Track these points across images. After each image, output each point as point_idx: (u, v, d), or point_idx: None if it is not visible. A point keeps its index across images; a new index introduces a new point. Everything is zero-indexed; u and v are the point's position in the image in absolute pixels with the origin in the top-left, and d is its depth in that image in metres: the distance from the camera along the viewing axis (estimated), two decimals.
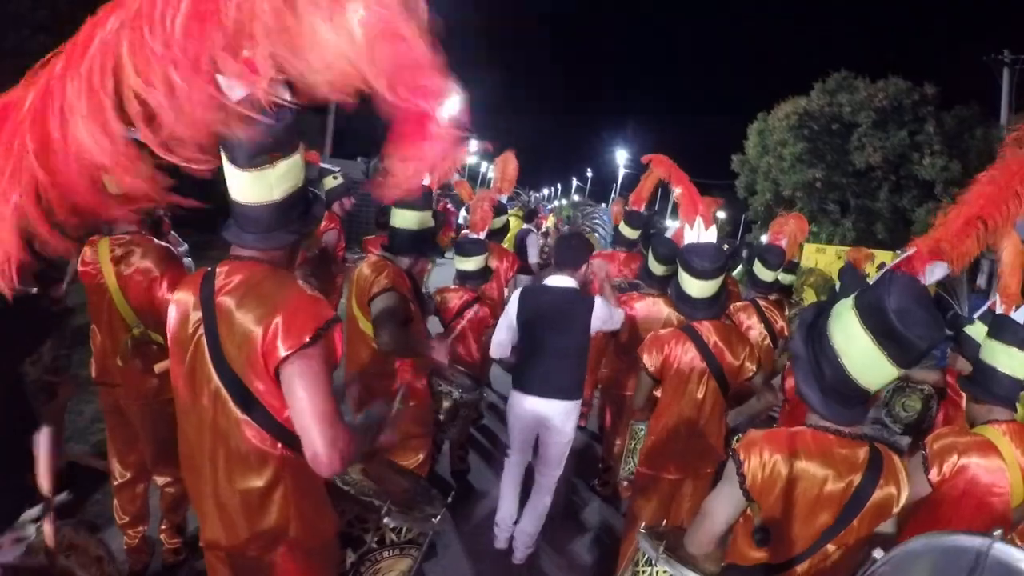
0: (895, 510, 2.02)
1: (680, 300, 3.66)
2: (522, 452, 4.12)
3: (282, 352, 1.75)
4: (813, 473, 1.95)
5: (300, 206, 1.93)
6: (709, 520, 2.10)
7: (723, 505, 2.07)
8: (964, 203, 1.98)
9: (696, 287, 3.56)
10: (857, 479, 1.96)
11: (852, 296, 1.95)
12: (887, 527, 2.08)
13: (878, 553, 1.65)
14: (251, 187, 1.82)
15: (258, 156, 1.77)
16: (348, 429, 1.83)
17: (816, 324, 2.04)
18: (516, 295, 3.97)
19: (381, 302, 3.31)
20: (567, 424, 3.92)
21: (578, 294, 3.91)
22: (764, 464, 1.97)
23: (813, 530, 1.99)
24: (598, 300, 3.88)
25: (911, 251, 2.00)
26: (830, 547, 2.00)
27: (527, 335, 3.89)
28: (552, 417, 3.88)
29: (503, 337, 3.94)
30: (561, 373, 3.86)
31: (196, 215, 1.86)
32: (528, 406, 3.90)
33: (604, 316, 3.87)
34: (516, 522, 4.18)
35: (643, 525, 2.77)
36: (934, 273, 1.95)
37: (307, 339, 1.75)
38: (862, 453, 1.99)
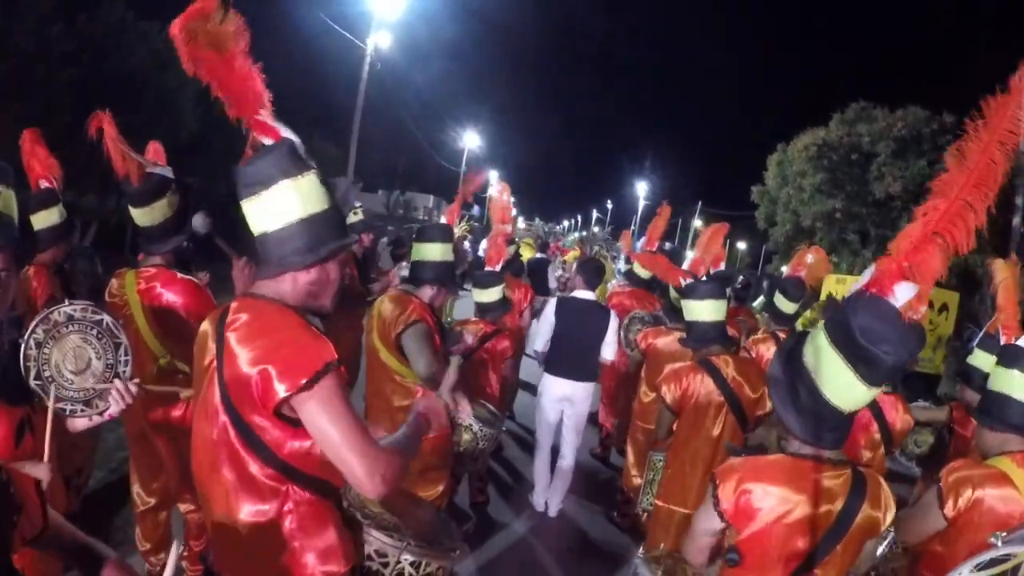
0: (882, 530, 2.06)
1: (691, 338, 3.71)
2: (550, 430, 5.24)
3: (281, 393, 1.72)
4: (787, 499, 1.98)
5: (295, 241, 1.85)
6: (694, 533, 2.23)
7: (703, 521, 2.17)
8: (919, 218, 1.90)
9: (697, 310, 3.63)
10: (839, 504, 1.98)
11: (823, 319, 1.99)
12: (871, 544, 2.12)
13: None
14: (249, 219, 1.87)
15: (244, 188, 1.84)
16: (387, 450, 1.81)
17: (795, 350, 2.07)
18: (552, 303, 5.29)
19: (414, 334, 3.39)
20: (585, 401, 5.16)
21: (597, 305, 5.26)
22: (739, 492, 2.02)
23: (793, 555, 2.00)
24: (614, 319, 5.12)
25: (873, 270, 1.96)
26: (817, 572, 2.01)
27: (559, 333, 5.08)
28: (575, 394, 5.10)
29: (544, 335, 5.14)
30: (582, 361, 5.07)
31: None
32: (557, 386, 5.10)
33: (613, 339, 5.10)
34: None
35: (640, 551, 2.79)
36: (902, 293, 1.90)
37: (303, 381, 1.71)
38: (843, 478, 2.01)
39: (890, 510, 2.05)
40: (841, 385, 1.90)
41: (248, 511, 1.87)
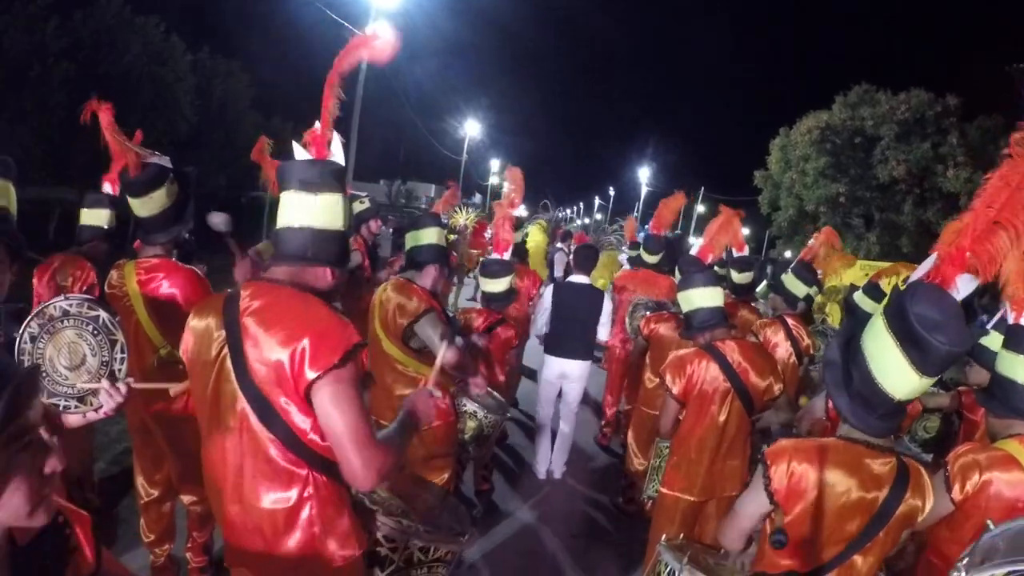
0: (919, 520, 2.07)
1: (693, 327, 3.63)
2: (551, 407, 5.65)
3: (310, 375, 1.77)
4: (839, 483, 1.99)
5: (333, 246, 2.00)
6: (737, 517, 2.20)
7: (750, 504, 2.15)
8: (979, 208, 1.94)
9: (698, 299, 3.57)
10: (884, 492, 2.00)
11: (883, 304, 1.99)
12: (907, 534, 2.15)
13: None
14: (291, 208, 1.97)
15: (298, 181, 1.95)
16: (383, 445, 1.86)
17: (855, 335, 2.08)
18: (550, 289, 5.64)
19: (429, 323, 3.38)
20: (582, 378, 5.57)
21: (591, 287, 5.61)
22: (792, 473, 2.02)
23: (839, 539, 2.03)
24: (607, 301, 5.55)
25: (934, 259, 1.96)
26: (857, 558, 2.03)
27: (557, 316, 5.45)
28: (573, 371, 5.51)
29: (543, 319, 5.50)
30: (579, 341, 5.48)
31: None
32: (557, 364, 5.51)
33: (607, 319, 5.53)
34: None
35: (664, 537, 2.77)
36: (965, 285, 1.90)
37: (335, 361, 1.76)
38: (890, 466, 2.02)
39: (929, 499, 2.06)
40: (893, 371, 1.90)
41: (269, 499, 1.89)
